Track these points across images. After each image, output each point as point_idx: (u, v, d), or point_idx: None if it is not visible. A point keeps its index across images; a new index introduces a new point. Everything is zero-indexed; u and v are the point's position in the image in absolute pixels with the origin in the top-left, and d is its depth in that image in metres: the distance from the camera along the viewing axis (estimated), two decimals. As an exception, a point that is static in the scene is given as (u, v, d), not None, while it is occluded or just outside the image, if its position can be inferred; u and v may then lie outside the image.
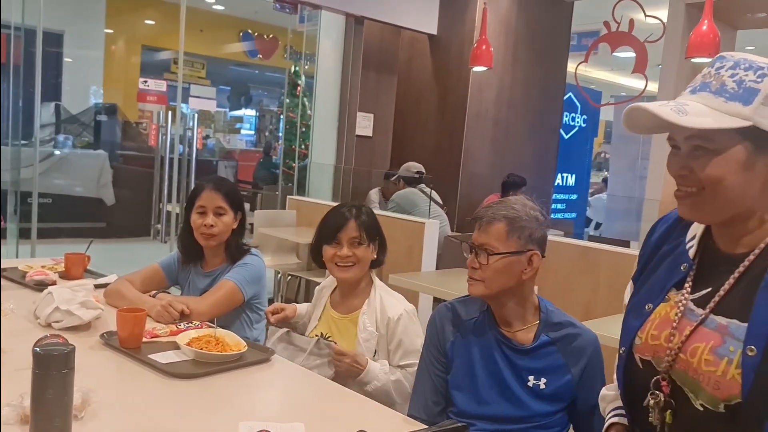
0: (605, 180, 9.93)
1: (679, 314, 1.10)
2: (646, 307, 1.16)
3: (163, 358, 1.73)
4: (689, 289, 1.11)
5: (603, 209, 8.89)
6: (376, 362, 1.93)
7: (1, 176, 5.28)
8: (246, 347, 1.80)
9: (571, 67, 7.05)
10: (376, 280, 2.09)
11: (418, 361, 1.84)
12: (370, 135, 6.58)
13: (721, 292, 1.07)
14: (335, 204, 2.20)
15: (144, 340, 1.85)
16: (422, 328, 1.91)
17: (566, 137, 8.31)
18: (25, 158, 5.35)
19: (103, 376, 1.66)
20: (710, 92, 1.03)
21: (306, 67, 7.06)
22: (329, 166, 6.47)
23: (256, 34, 11.39)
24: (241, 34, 11.38)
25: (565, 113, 8.01)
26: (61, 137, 8.36)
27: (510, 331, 1.67)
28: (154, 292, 2.32)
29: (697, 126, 1.00)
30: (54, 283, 2.36)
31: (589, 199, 9.27)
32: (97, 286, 2.38)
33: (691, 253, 1.14)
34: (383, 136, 6.72)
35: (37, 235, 5.03)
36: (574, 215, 8.69)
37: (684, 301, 1.11)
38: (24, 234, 5.13)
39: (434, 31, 6.58)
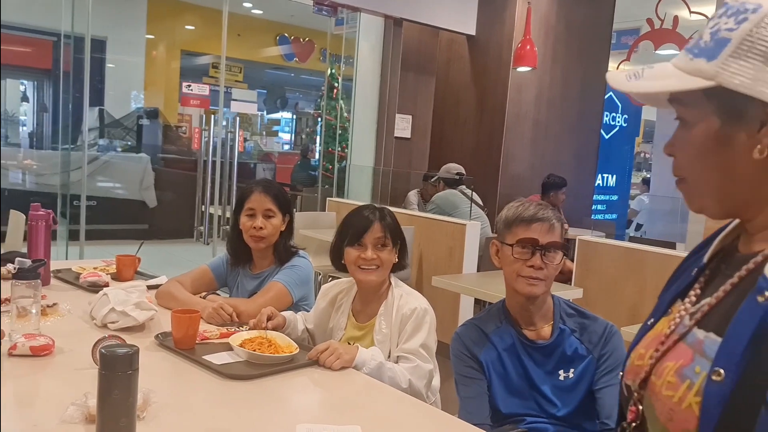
0: (645, 180, 9.72)
1: (673, 328, 0.88)
2: (649, 323, 0.96)
3: (217, 359, 1.75)
4: (693, 299, 0.89)
5: (645, 210, 8.72)
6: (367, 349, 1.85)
7: (49, 179, 5.41)
8: (297, 349, 1.81)
9: (611, 65, 6.94)
10: (395, 282, 2.05)
11: (412, 356, 1.84)
12: (409, 137, 6.58)
13: (713, 300, 0.84)
14: None
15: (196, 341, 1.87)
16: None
17: (607, 137, 8.18)
18: (72, 161, 5.48)
19: (160, 377, 1.68)
20: (684, 50, 0.83)
21: (343, 69, 7.09)
22: (368, 168, 6.48)
23: (292, 37, 11.49)
24: (277, 37, 11.48)
25: (606, 113, 7.88)
26: (104, 141, 8.57)
27: (533, 330, 1.73)
28: (203, 293, 2.36)
29: (638, 90, 0.84)
30: (107, 285, 2.41)
31: (630, 202, 9.08)
32: (149, 288, 2.42)
33: (707, 255, 0.92)
34: (422, 138, 6.71)
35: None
36: (614, 216, 8.55)
37: (682, 313, 0.88)
38: (73, 236, 5.26)
39: (473, 32, 6.55)
